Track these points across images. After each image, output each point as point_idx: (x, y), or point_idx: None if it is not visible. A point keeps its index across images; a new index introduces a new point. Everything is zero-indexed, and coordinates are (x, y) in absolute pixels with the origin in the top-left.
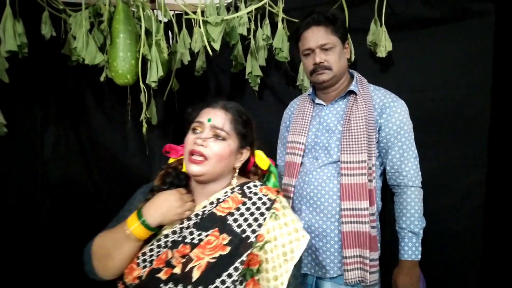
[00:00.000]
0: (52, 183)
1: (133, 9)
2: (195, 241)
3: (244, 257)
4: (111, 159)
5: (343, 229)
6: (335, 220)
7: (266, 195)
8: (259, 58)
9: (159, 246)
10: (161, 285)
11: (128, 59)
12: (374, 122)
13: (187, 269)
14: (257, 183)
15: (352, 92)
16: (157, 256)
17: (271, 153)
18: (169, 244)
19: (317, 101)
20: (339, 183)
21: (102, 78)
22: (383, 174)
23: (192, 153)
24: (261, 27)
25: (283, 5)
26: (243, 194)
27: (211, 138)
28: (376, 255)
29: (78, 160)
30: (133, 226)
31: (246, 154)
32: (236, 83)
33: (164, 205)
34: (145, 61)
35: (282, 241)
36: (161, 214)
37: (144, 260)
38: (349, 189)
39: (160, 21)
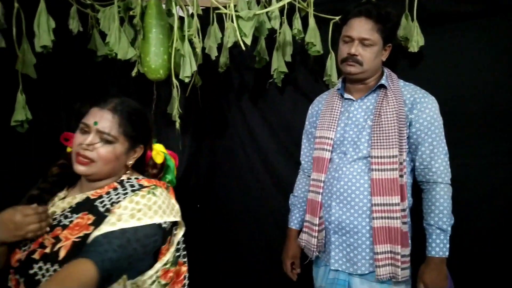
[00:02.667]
0: None
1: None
2: (66, 223)
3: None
4: None
5: (374, 225)
6: (366, 216)
7: (140, 184)
8: (285, 54)
9: None
10: (34, 264)
11: (160, 54)
12: (405, 117)
13: (55, 249)
14: (141, 177)
15: (382, 86)
16: (35, 241)
17: (296, 149)
18: (48, 229)
19: (346, 96)
20: (369, 178)
21: (133, 73)
22: (413, 170)
23: (78, 154)
24: (288, 22)
25: None
26: (120, 183)
27: (97, 143)
28: (407, 251)
29: None
30: None
31: (139, 151)
32: (259, 78)
33: (4, 225)
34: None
35: (120, 211)
36: None
37: (25, 244)
38: (380, 184)
39: (193, 16)
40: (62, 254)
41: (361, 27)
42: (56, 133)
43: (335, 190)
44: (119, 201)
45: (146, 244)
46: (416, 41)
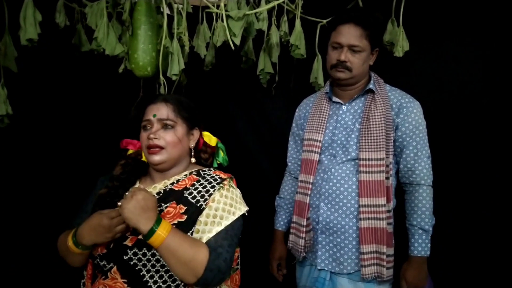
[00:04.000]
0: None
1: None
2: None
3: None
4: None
5: (361, 225)
6: (353, 216)
7: (218, 175)
8: (272, 55)
9: (122, 222)
10: (127, 250)
11: (149, 51)
12: (392, 121)
13: None
14: (212, 169)
15: (370, 91)
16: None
17: (283, 149)
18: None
19: (334, 99)
20: (357, 180)
21: (120, 70)
22: (397, 172)
23: (149, 147)
24: (276, 24)
25: (301, 2)
26: (198, 175)
27: (160, 130)
28: (391, 250)
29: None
30: (69, 243)
31: (196, 134)
32: (244, 79)
33: (94, 230)
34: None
35: (217, 205)
36: (90, 239)
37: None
38: (367, 186)
39: (182, 14)
40: None
41: (350, 34)
42: (38, 128)
43: (324, 191)
44: (210, 194)
45: (239, 234)
46: (402, 46)
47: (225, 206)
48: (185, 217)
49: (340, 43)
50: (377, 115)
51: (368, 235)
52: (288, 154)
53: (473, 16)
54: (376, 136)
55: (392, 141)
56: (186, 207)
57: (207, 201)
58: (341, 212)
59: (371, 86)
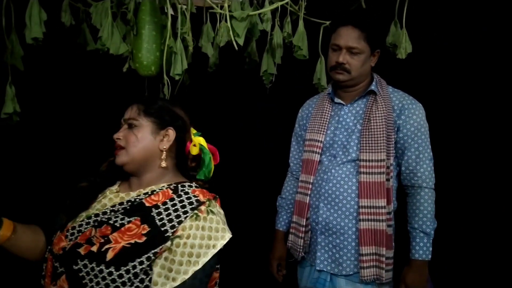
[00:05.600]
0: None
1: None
2: (117, 224)
3: (157, 249)
4: None
5: (361, 227)
6: (353, 217)
7: (196, 197)
8: (275, 56)
9: (87, 224)
10: (78, 259)
11: (153, 51)
12: (393, 122)
13: (103, 249)
14: (194, 184)
15: (371, 92)
16: (83, 232)
17: (285, 149)
18: (96, 223)
19: (337, 100)
20: (357, 181)
21: (124, 69)
22: (399, 174)
23: (114, 148)
24: (279, 25)
25: (305, 3)
26: (175, 191)
27: (125, 130)
28: (391, 253)
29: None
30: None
31: (171, 135)
32: (248, 80)
33: None
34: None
35: (192, 241)
36: None
37: (72, 234)
38: (367, 187)
39: (185, 15)
40: (109, 256)
41: (348, 36)
42: (45, 126)
43: (324, 192)
44: (180, 221)
45: (211, 273)
46: (405, 48)
47: (202, 241)
48: (144, 239)
49: (338, 45)
50: (378, 116)
51: (367, 236)
52: (291, 155)
53: (476, 17)
54: (377, 137)
55: (393, 142)
56: (149, 229)
57: (175, 230)
58: (341, 213)
59: (373, 87)
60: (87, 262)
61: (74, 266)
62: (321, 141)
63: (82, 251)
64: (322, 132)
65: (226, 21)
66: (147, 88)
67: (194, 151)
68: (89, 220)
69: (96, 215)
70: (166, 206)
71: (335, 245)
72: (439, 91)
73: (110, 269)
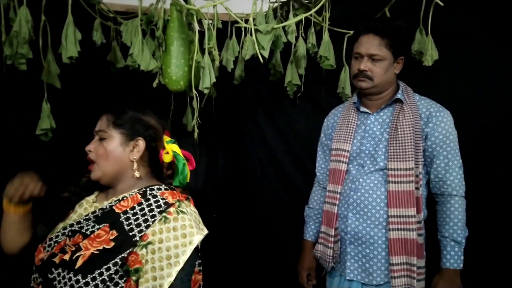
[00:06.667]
0: None
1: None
2: (88, 232)
3: (125, 254)
4: None
5: (390, 236)
6: (382, 227)
7: (165, 199)
8: (299, 67)
9: (63, 234)
10: (53, 268)
11: (181, 66)
12: (421, 130)
13: (74, 257)
14: (163, 187)
15: (398, 100)
16: (59, 242)
17: (312, 160)
18: (70, 233)
19: (362, 109)
20: (386, 190)
21: (154, 84)
22: (428, 182)
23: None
24: (303, 36)
25: (328, 14)
26: (143, 195)
27: (96, 142)
28: (422, 262)
29: None
30: (4, 201)
31: (141, 145)
32: (273, 91)
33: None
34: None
35: (167, 244)
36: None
37: (50, 245)
38: (396, 196)
39: (212, 30)
40: (79, 263)
41: (369, 44)
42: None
43: (352, 201)
44: (147, 225)
45: (192, 271)
46: (431, 55)
47: (177, 241)
48: (112, 244)
49: (360, 52)
50: (406, 125)
51: (397, 246)
52: (317, 164)
53: (502, 23)
54: (405, 145)
55: (421, 151)
56: (117, 234)
57: (143, 234)
58: (370, 222)
59: (399, 95)
60: (60, 271)
61: (49, 275)
62: (348, 150)
63: (56, 260)
64: (348, 142)
65: (251, 34)
66: (173, 101)
67: (167, 158)
68: (65, 231)
69: (71, 225)
70: (134, 210)
71: (365, 255)
72: (467, 98)
73: (77, 277)
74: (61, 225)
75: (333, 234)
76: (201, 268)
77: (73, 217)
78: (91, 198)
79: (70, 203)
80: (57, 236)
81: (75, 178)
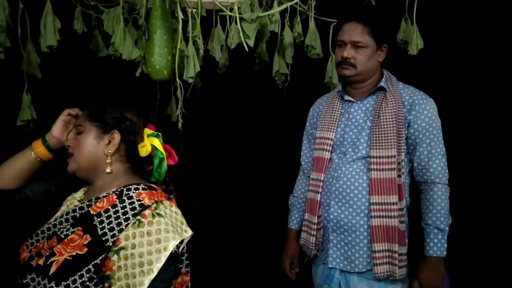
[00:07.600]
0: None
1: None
2: (63, 235)
3: (98, 260)
4: None
5: (372, 223)
6: (364, 214)
7: (140, 201)
8: (286, 56)
9: (43, 234)
10: (27, 273)
11: (165, 55)
12: (404, 118)
13: (48, 262)
14: (141, 187)
15: (381, 88)
16: (38, 243)
17: (297, 149)
18: (49, 234)
19: (346, 97)
20: (368, 178)
21: (137, 74)
22: (411, 170)
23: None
24: (289, 25)
25: (314, 2)
26: (119, 196)
27: (73, 136)
28: (404, 249)
29: None
30: (38, 149)
31: (116, 139)
32: (259, 80)
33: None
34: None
35: (139, 250)
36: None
37: (32, 244)
38: (378, 184)
39: (196, 18)
40: (52, 269)
41: (351, 31)
42: None
43: (334, 189)
44: (120, 229)
45: (169, 277)
46: (416, 44)
47: (150, 246)
48: (85, 250)
49: (343, 40)
50: (388, 112)
51: (379, 233)
52: (302, 153)
53: (487, 13)
54: (387, 133)
55: (404, 138)
56: (91, 239)
57: (116, 239)
58: (352, 210)
59: (382, 83)
60: (35, 276)
61: (23, 280)
62: (331, 138)
63: (33, 263)
64: (332, 130)
65: (236, 23)
66: (159, 91)
67: (143, 152)
68: (44, 234)
69: (54, 225)
70: (108, 213)
71: (347, 243)
72: (452, 87)
73: (51, 284)
74: (47, 223)
75: (316, 221)
76: (188, 269)
77: (58, 215)
78: (78, 194)
79: (57, 199)
80: (37, 235)
81: (59, 171)
